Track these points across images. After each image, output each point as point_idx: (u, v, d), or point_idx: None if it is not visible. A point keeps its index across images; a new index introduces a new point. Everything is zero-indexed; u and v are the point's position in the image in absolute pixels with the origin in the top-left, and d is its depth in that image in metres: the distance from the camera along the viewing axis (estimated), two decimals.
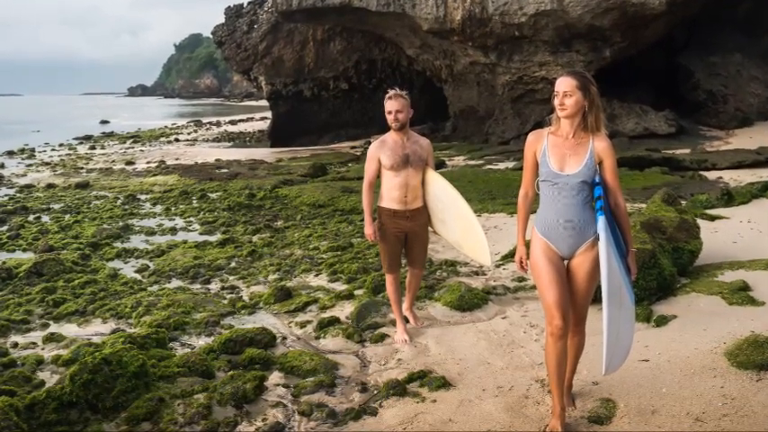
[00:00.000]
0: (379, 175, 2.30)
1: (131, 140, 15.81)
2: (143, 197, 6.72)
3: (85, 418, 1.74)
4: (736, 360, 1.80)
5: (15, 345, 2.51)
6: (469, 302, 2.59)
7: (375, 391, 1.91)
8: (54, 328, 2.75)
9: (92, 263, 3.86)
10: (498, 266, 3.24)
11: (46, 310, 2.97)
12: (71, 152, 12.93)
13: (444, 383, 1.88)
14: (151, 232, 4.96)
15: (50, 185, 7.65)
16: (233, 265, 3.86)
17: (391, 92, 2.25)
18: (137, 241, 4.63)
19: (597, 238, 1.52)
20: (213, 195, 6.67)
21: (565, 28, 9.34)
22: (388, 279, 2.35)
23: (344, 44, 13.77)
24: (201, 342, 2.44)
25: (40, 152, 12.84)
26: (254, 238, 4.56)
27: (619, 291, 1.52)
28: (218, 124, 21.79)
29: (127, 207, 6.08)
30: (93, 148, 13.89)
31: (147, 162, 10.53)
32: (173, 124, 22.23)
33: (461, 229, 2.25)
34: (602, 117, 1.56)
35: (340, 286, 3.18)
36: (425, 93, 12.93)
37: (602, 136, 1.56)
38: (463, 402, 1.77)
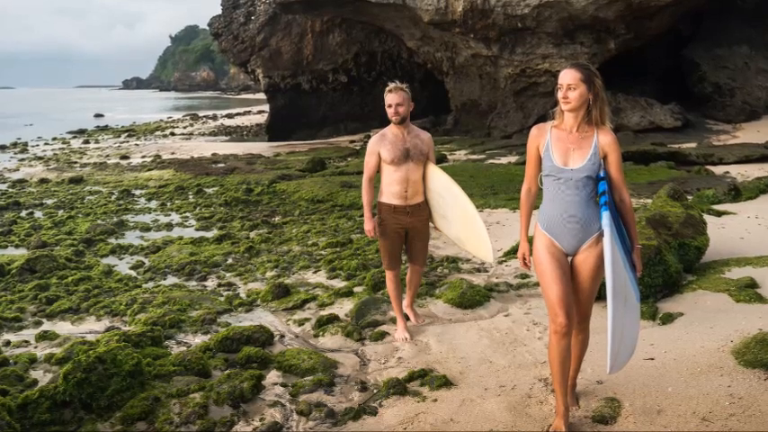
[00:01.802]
0: (379, 170, 2.25)
1: (126, 134, 15.65)
2: (138, 192, 6.64)
3: (79, 417, 1.71)
4: (744, 359, 1.77)
5: (8, 343, 2.47)
6: (471, 300, 2.56)
7: (375, 391, 1.88)
8: (47, 325, 2.71)
9: (86, 259, 3.81)
10: (501, 263, 3.20)
11: (39, 308, 2.92)
12: (64, 146, 12.82)
13: (445, 382, 1.86)
14: (146, 228, 4.90)
15: (43, 180, 7.57)
16: (230, 261, 3.81)
17: (391, 85, 2.20)
18: (131, 237, 4.58)
19: (601, 234, 1.49)
20: (210, 190, 6.61)
21: (569, 19, 9.21)
22: (389, 276, 2.32)
23: (344, 36, 13.57)
24: (198, 340, 2.41)
25: (32, 146, 12.73)
26: (252, 234, 4.51)
27: (624, 288, 1.49)
28: (214, 118, 21.57)
29: (121, 202, 6.01)
30: (86, 142, 13.76)
31: (143, 156, 10.41)
32: (168, 118, 22.00)
33: (463, 225, 2.21)
34: (606, 110, 1.53)
35: (339, 283, 3.15)
36: (426, 86, 12.79)
37: (607, 130, 1.53)
38: (465, 402, 1.74)
